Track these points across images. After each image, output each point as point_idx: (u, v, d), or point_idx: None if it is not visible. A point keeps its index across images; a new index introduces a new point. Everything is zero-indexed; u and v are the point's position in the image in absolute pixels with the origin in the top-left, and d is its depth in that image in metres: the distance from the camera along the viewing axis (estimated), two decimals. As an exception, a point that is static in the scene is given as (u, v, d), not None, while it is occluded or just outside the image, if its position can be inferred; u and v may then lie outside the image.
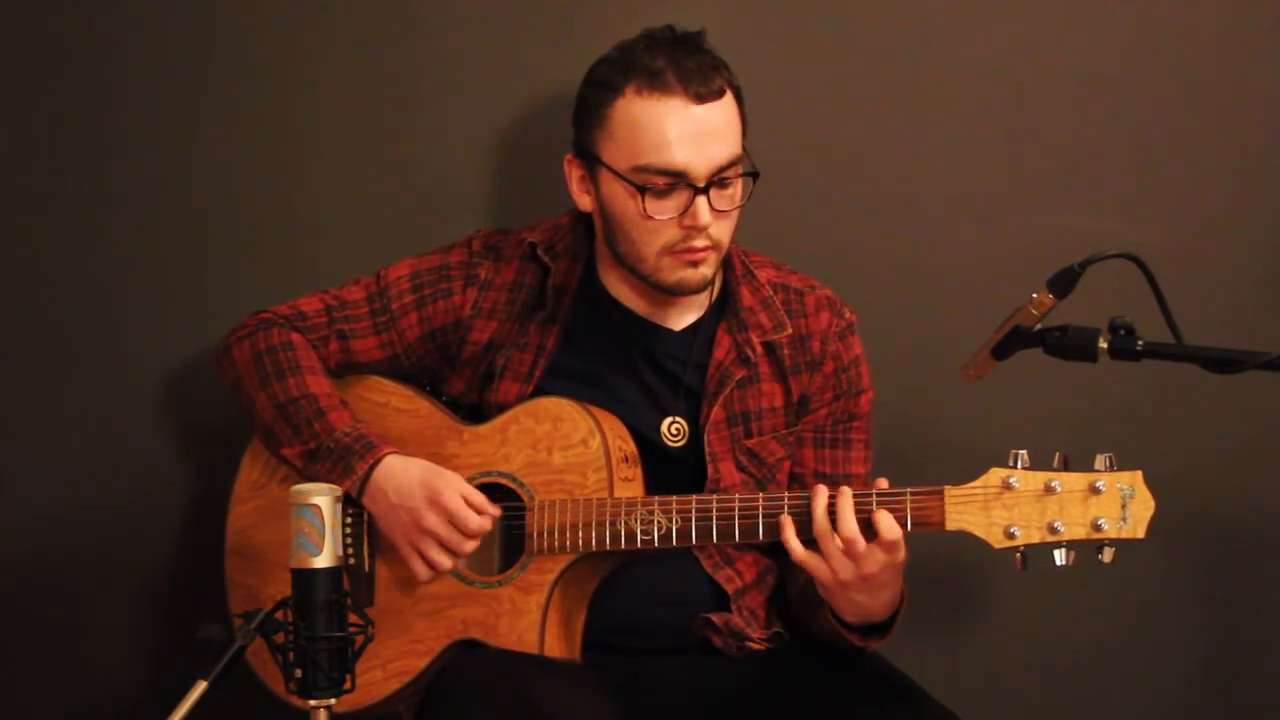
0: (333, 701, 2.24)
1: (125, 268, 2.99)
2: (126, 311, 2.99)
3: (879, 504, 2.34)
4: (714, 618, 2.55)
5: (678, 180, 2.46)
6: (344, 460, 2.53)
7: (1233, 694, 3.00)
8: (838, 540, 2.35)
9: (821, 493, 2.37)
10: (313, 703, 2.24)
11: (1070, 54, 2.94)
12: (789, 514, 2.38)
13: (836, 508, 2.35)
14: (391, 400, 2.64)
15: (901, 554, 2.35)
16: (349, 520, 2.56)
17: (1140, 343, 2.34)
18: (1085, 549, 2.29)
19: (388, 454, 2.53)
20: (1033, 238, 2.93)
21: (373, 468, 2.52)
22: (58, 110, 2.98)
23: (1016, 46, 2.95)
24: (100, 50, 2.98)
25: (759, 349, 2.60)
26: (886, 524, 2.33)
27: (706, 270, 2.52)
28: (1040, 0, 2.95)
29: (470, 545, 2.51)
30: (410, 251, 2.69)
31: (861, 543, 2.34)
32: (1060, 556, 2.30)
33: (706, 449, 2.57)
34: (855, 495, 2.36)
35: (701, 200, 2.46)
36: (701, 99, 2.46)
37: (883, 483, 2.37)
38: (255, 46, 2.98)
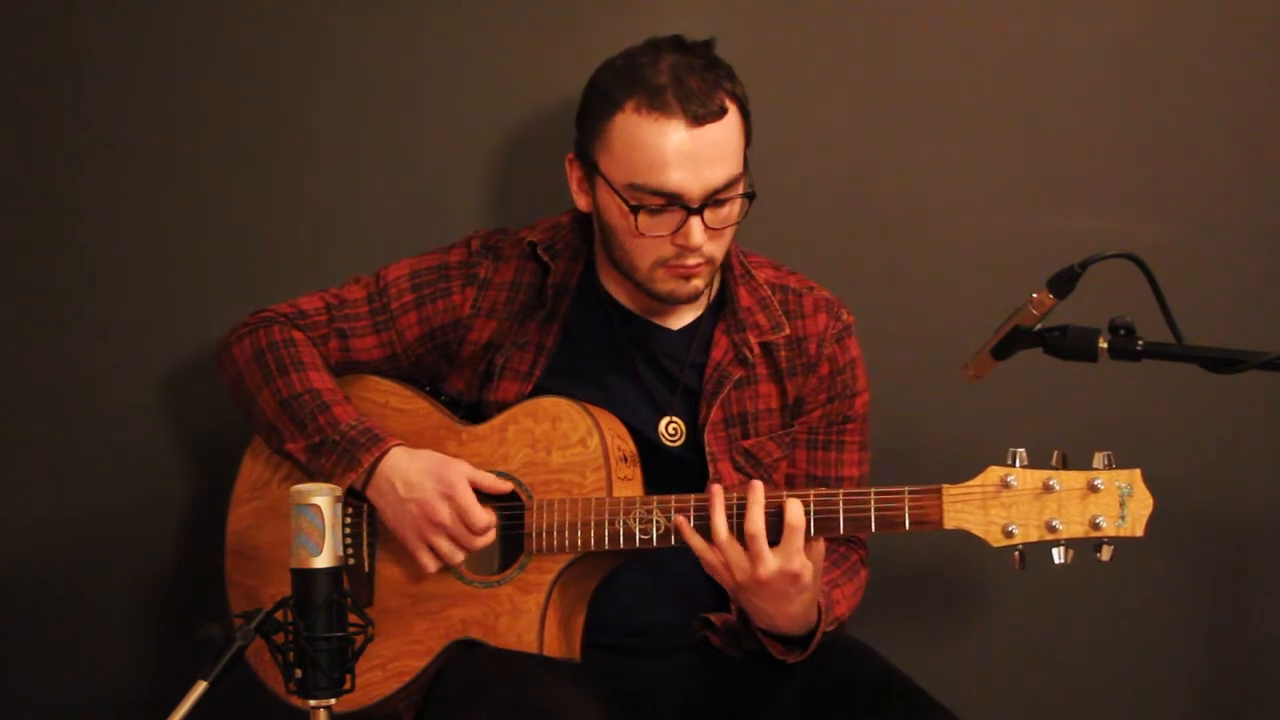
0: (333, 701, 2.25)
1: (125, 267, 3.00)
2: (127, 312, 2.99)
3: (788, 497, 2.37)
4: (713, 618, 2.55)
5: (671, 201, 2.45)
6: (349, 453, 2.53)
7: (1233, 694, 3.00)
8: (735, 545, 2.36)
9: (719, 493, 2.39)
10: (313, 703, 2.24)
11: (1071, 54, 2.94)
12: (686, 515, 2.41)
13: (746, 503, 2.37)
14: (390, 400, 2.64)
15: (797, 563, 2.35)
16: (349, 520, 2.56)
17: (1140, 343, 2.34)
18: (1083, 547, 2.29)
19: (394, 446, 2.53)
20: (1033, 238, 2.93)
21: (379, 460, 2.52)
22: (58, 110, 2.98)
23: (1016, 47, 2.95)
24: (101, 50, 2.98)
25: (756, 349, 2.60)
26: (794, 513, 2.35)
27: (699, 283, 2.52)
28: (1040, 1, 2.96)
29: (478, 542, 2.51)
30: (410, 251, 2.69)
31: (761, 541, 2.35)
32: (1058, 555, 2.30)
33: (706, 449, 2.57)
34: (728, 491, 2.39)
35: (695, 220, 2.45)
36: (700, 120, 2.43)
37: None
38: (256, 46, 2.98)
